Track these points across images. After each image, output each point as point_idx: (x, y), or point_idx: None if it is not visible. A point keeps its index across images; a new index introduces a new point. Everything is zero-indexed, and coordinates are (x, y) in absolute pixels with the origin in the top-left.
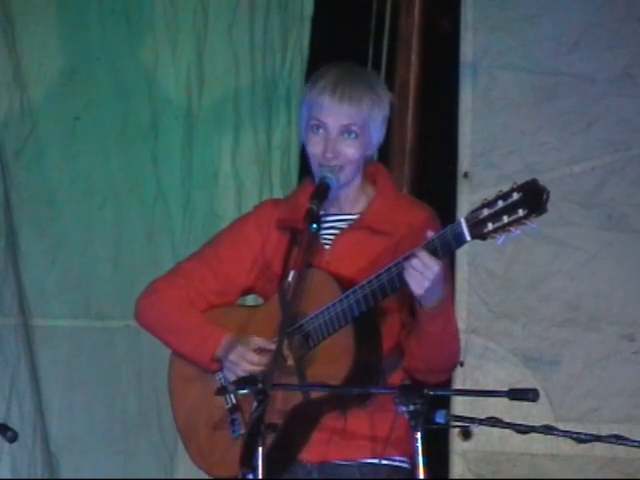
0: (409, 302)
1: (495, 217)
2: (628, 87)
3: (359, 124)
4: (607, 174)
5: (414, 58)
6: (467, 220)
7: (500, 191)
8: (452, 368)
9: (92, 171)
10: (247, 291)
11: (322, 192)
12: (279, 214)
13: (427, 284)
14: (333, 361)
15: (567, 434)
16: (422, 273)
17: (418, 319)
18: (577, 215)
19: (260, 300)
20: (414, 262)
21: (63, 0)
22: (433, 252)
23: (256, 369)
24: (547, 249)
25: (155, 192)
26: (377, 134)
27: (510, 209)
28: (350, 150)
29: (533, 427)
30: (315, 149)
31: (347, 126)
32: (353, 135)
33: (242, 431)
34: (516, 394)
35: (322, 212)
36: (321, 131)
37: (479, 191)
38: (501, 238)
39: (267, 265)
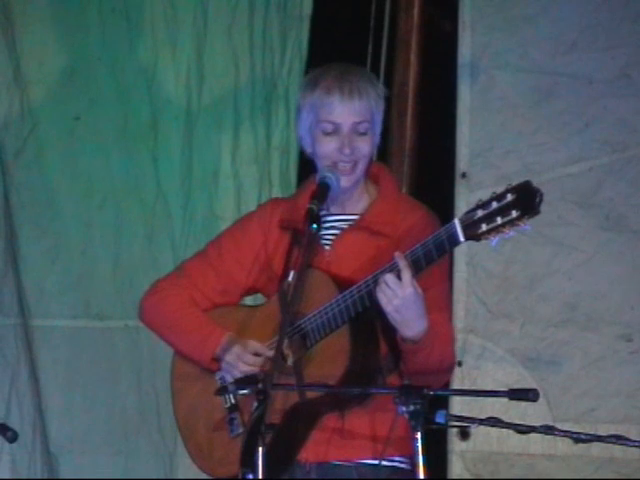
0: None
1: (489, 218)
2: (626, 87)
3: (368, 119)
4: (605, 174)
5: (413, 58)
6: (461, 221)
7: (494, 192)
8: (447, 371)
9: (92, 171)
10: (250, 290)
11: (322, 192)
12: (281, 214)
13: (396, 302)
14: (329, 361)
15: (567, 434)
16: (393, 290)
17: (401, 347)
18: (575, 215)
19: (263, 299)
20: (388, 276)
21: (63, 0)
22: (427, 254)
23: (252, 370)
24: (545, 249)
25: (155, 192)
26: (379, 128)
27: (504, 210)
28: (363, 145)
29: (534, 427)
30: (327, 149)
31: (358, 123)
32: (363, 130)
33: (240, 431)
34: (516, 394)
35: (324, 212)
36: (333, 131)
37: (477, 191)
38: (495, 239)
39: (269, 264)
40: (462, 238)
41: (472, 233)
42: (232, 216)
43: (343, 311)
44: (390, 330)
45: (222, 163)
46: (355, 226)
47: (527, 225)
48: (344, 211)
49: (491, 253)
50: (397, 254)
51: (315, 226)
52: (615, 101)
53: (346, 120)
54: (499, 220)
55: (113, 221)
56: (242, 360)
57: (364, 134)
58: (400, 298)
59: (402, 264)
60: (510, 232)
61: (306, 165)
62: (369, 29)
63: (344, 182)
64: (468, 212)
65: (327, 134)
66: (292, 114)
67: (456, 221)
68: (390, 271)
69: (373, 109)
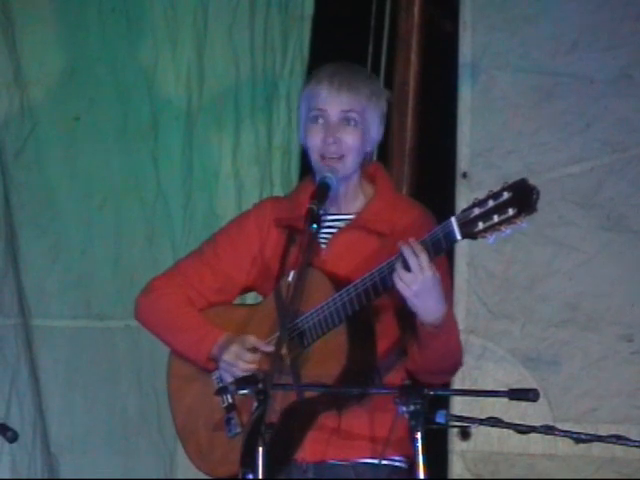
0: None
1: (485, 216)
2: (627, 87)
3: (358, 111)
4: (606, 174)
5: (413, 58)
6: (458, 219)
7: (490, 191)
8: (454, 372)
9: (92, 171)
10: (246, 289)
11: (322, 192)
12: (278, 212)
13: (415, 287)
14: (327, 360)
15: (567, 434)
16: (413, 273)
17: (419, 334)
18: (576, 215)
19: (260, 298)
20: (406, 261)
21: (63, 0)
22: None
23: (252, 367)
24: (546, 249)
25: (155, 192)
26: (375, 128)
27: (500, 208)
28: (350, 138)
29: (534, 427)
30: (315, 139)
31: (346, 112)
32: (353, 122)
33: (238, 430)
34: (517, 394)
35: (322, 212)
36: (321, 120)
37: (478, 191)
38: (492, 237)
39: (266, 263)
40: (459, 236)
41: (469, 231)
42: (233, 216)
43: (340, 309)
44: (406, 317)
45: (223, 163)
46: (351, 225)
47: (524, 223)
48: (340, 211)
49: (492, 253)
50: (411, 239)
51: (315, 226)
52: (616, 101)
53: (333, 107)
54: (496, 218)
55: (113, 221)
56: (241, 359)
57: (352, 125)
58: (419, 282)
59: (418, 249)
60: (507, 230)
61: (307, 165)
62: (370, 29)
63: (334, 172)
64: (465, 210)
65: (315, 123)
66: (293, 114)
67: (453, 219)
68: (393, 264)
69: (364, 104)
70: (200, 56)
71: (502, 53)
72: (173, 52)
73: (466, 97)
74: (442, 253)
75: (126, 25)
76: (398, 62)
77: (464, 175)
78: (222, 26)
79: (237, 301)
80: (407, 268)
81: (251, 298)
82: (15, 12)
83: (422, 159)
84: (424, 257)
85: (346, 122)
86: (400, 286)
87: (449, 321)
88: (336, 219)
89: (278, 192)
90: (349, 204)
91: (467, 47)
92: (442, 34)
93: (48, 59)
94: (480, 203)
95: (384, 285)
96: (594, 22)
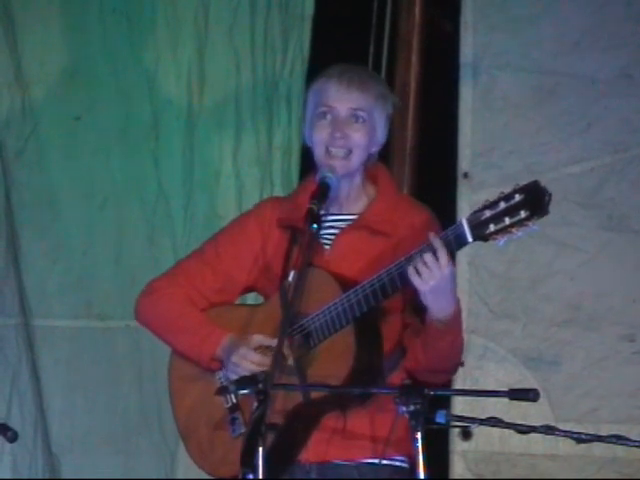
0: (411, 302)
1: (497, 218)
2: (628, 87)
3: (366, 110)
4: (607, 174)
5: (414, 58)
6: (469, 221)
7: (502, 192)
8: (455, 371)
9: (93, 171)
10: (247, 289)
11: (322, 192)
12: (280, 213)
13: (433, 282)
14: (334, 361)
15: (568, 434)
16: (431, 269)
17: (427, 332)
18: (577, 215)
19: (261, 298)
20: (426, 256)
21: (64, 0)
22: (433, 253)
23: (258, 369)
24: (547, 249)
25: (156, 192)
26: (381, 130)
27: (512, 211)
28: (358, 134)
29: (534, 427)
30: (322, 134)
31: (355, 110)
32: (361, 120)
33: (242, 430)
34: (516, 394)
35: (323, 212)
36: (329, 116)
37: (479, 191)
38: (503, 240)
39: (268, 264)
40: (470, 238)
41: (480, 233)
42: (233, 216)
43: (347, 311)
44: (412, 316)
45: (223, 163)
46: (354, 225)
47: (535, 225)
48: (342, 211)
49: (493, 253)
50: (432, 235)
51: (315, 226)
52: (617, 101)
53: (342, 105)
54: (507, 220)
55: (114, 221)
56: (247, 359)
57: (360, 122)
58: (437, 279)
59: (438, 244)
60: (518, 233)
61: (307, 165)
62: (370, 29)
63: (338, 169)
64: (475, 212)
65: (323, 119)
66: (294, 114)
67: (464, 221)
68: (402, 266)
69: (372, 103)
70: (201, 56)
71: (503, 53)
72: (174, 52)
73: (467, 97)
74: (452, 255)
75: (127, 25)
76: (399, 62)
77: (465, 175)
78: (223, 26)
79: (238, 302)
80: (425, 264)
81: (252, 298)
82: (16, 12)
83: (423, 159)
84: (443, 254)
85: (354, 119)
86: (417, 282)
87: (456, 319)
88: (338, 219)
89: (278, 192)
90: (351, 204)
91: (468, 47)
92: (443, 34)
93: (49, 59)
94: (491, 205)
95: (393, 286)
96: (595, 22)
